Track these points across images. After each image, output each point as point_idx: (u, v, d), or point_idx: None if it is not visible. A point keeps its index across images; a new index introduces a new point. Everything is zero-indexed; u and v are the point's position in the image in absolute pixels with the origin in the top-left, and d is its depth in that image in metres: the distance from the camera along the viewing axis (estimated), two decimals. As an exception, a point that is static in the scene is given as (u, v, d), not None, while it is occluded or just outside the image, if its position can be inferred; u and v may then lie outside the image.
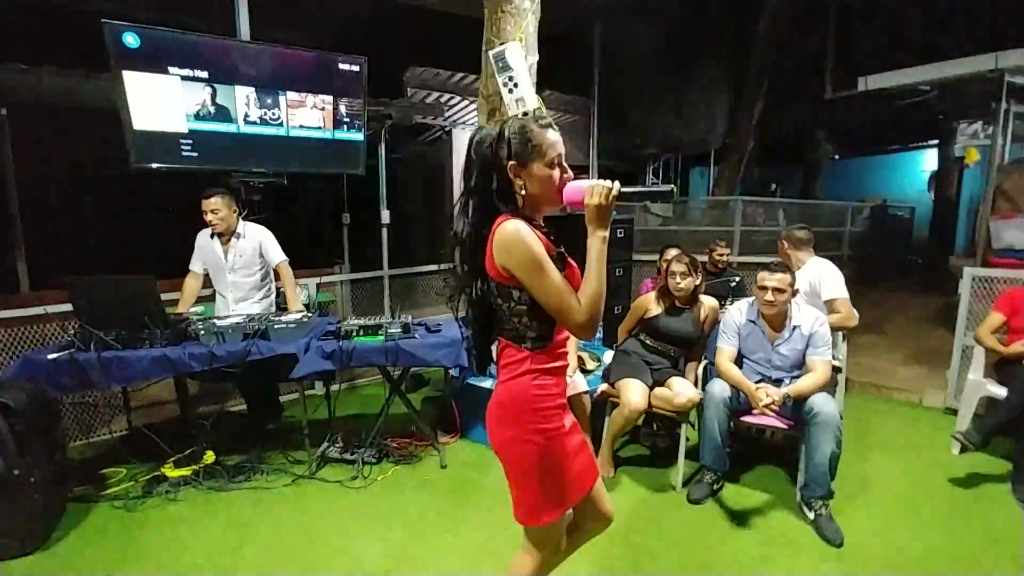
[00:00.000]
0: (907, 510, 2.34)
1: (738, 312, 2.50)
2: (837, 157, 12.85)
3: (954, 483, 2.56)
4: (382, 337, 2.54)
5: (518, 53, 2.73)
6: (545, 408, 1.18)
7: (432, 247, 7.00)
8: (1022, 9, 5.86)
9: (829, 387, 2.34)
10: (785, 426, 2.34)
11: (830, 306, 2.86)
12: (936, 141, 9.67)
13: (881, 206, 9.40)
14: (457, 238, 1.19)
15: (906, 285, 7.74)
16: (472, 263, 1.19)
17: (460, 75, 5.27)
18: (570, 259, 1.21)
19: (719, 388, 2.33)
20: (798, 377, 2.33)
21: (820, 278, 2.89)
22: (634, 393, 2.41)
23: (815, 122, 8.87)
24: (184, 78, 3.00)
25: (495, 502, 2.40)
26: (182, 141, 3.03)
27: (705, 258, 4.02)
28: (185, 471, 2.55)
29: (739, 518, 2.26)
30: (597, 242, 1.11)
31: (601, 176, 1.16)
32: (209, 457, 2.62)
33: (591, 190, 1.10)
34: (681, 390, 2.41)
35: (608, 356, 2.98)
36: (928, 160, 10.94)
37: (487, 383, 2.98)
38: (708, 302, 2.66)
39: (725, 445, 2.36)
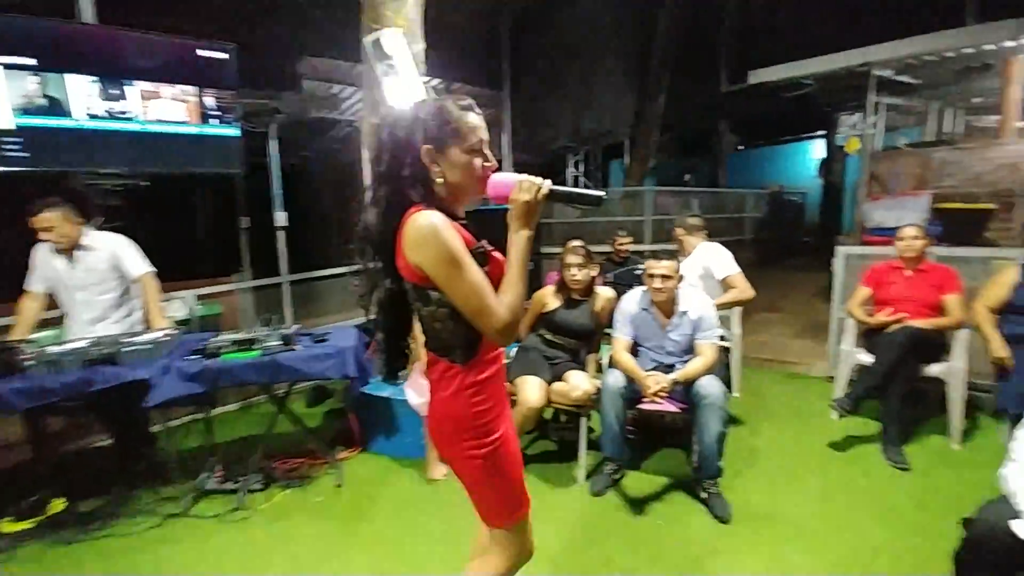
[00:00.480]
0: (790, 477, 2.47)
1: (631, 301, 2.51)
2: (742, 148, 13.74)
3: (833, 447, 2.74)
4: (258, 352, 2.30)
5: (397, 40, 2.58)
6: (486, 423, 1.10)
7: (345, 249, 6.65)
8: (887, 7, 6.50)
9: (719, 367, 2.41)
10: (678, 410, 2.39)
11: (726, 283, 2.99)
12: (823, 132, 10.57)
13: (777, 192, 10.15)
14: (366, 232, 1.09)
15: (800, 264, 8.39)
16: (382, 260, 1.10)
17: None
18: (494, 253, 1.10)
19: (613, 379, 2.33)
20: (689, 361, 2.39)
21: (712, 260, 3.02)
22: (531, 391, 2.36)
23: (718, 114, 9.38)
24: (7, 66, 2.57)
25: (392, 517, 2.26)
26: (6, 140, 2.60)
27: (610, 248, 4.08)
28: (27, 524, 2.19)
29: (638, 505, 2.28)
30: (521, 241, 1.03)
31: (526, 172, 1.07)
32: (56, 505, 2.27)
33: (520, 185, 1.02)
34: (577, 383, 2.38)
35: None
36: (817, 149, 11.94)
37: (386, 391, 2.83)
38: (604, 293, 2.66)
39: (624, 434, 2.37)
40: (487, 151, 1.08)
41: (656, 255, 2.42)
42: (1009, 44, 5.11)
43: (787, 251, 9.16)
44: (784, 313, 5.54)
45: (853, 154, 8.52)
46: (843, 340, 3.11)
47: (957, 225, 5.17)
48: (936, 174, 6.36)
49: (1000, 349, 2.42)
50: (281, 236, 4.25)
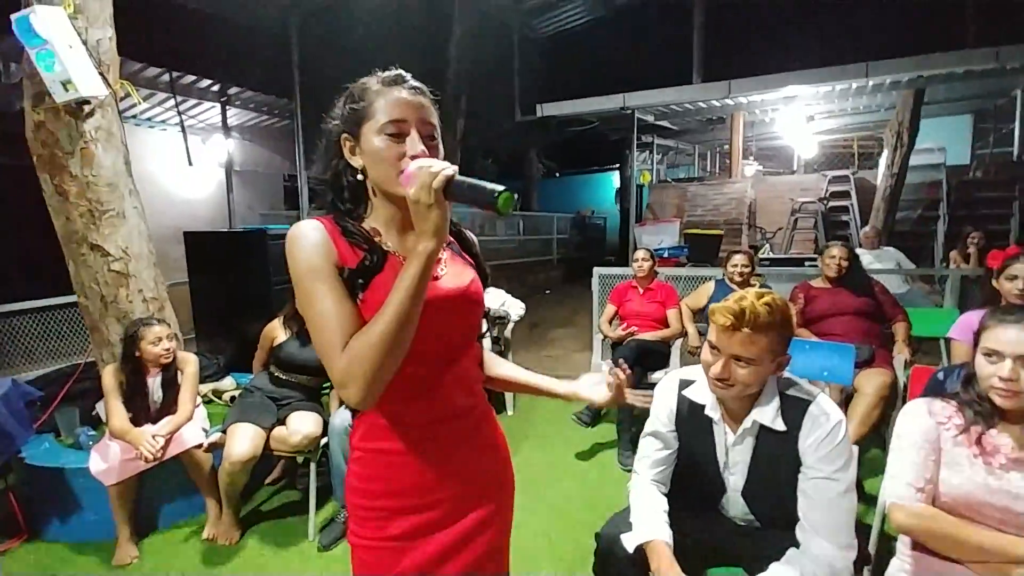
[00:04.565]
0: (536, 492, 2.52)
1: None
2: (558, 175, 15.05)
3: (578, 456, 2.91)
4: None
5: (56, 20, 2.07)
6: (359, 508, 0.84)
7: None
8: (648, 57, 7.66)
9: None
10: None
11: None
12: (618, 165, 12.11)
13: (582, 216, 11.29)
14: None
15: (601, 281, 9.35)
16: None
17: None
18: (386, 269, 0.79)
19: (341, 418, 2.12)
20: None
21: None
22: (239, 442, 2.02)
23: (524, 142, 10.07)
24: None
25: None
26: None
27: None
28: None
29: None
30: (412, 263, 0.71)
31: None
32: None
33: (413, 177, 0.72)
34: (297, 427, 2.11)
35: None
36: (617, 179, 13.65)
37: (60, 460, 2.21)
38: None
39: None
40: (415, 136, 0.78)
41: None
42: (728, 102, 6.36)
43: (590, 270, 10.15)
44: (576, 328, 5.99)
45: (646, 185, 9.95)
46: (594, 353, 3.39)
47: (699, 247, 6.22)
48: (689, 205, 7.70)
49: (694, 340, 2.87)
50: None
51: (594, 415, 2.85)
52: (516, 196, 0.73)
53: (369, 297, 0.75)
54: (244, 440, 2.04)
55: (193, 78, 5.94)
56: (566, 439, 3.12)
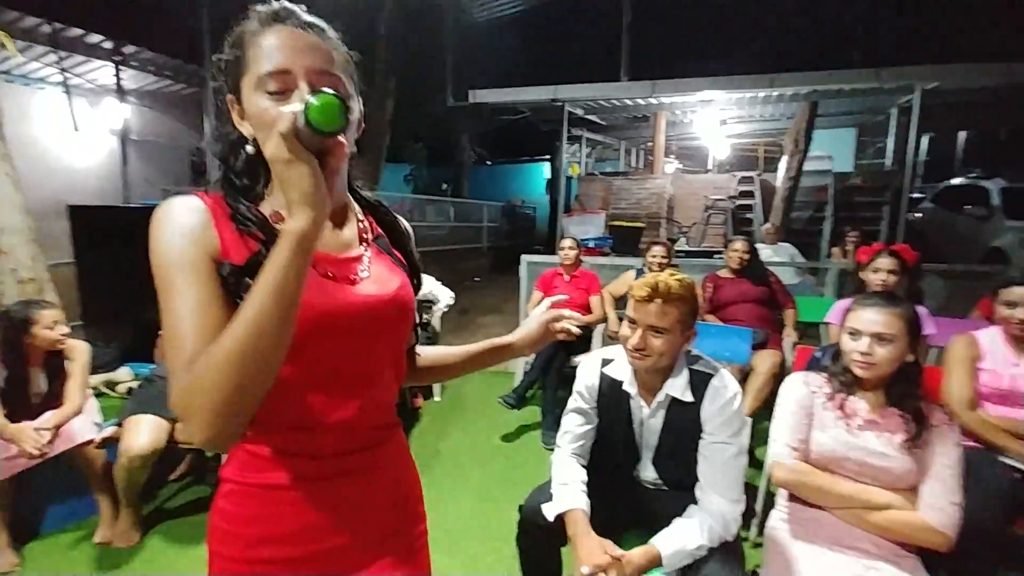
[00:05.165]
0: (464, 474, 2.56)
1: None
2: (490, 163, 15.04)
3: (504, 439, 2.99)
4: None
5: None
6: (225, 559, 0.65)
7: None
8: (580, 52, 7.85)
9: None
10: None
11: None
12: (549, 156, 12.33)
13: (511, 205, 11.41)
14: None
15: (530, 270, 9.54)
16: None
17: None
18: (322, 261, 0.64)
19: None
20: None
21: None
22: (138, 434, 1.87)
23: (456, 128, 9.96)
24: None
25: None
26: None
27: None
28: None
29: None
30: (278, 248, 0.53)
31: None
32: None
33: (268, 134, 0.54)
34: (209, 417, 1.99)
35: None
36: (548, 170, 13.90)
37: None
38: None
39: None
40: (303, 88, 0.59)
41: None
42: (652, 100, 6.69)
43: (519, 258, 10.32)
44: (504, 315, 6.09)
45: (575, 177, 10.22)
46: (520, 339, 3.48)
47: (622, 239, 6.54)
48: (614, 198, 8.06)
49: (614, 324, 3.05)
50: None
51: (519, 398, 2.94)
52: (344, 104, 0.52)
53: None
54: (144, 432, 1.88)
55: (80, 32, 5.24)
56: (492, 422, 3.19)
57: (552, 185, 12.30)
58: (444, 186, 13.69)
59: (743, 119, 9.02)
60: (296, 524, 0.65)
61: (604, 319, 3.34)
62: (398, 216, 0.80)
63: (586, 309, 3.35)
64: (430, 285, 3.65)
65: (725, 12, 8.81)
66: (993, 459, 1.53)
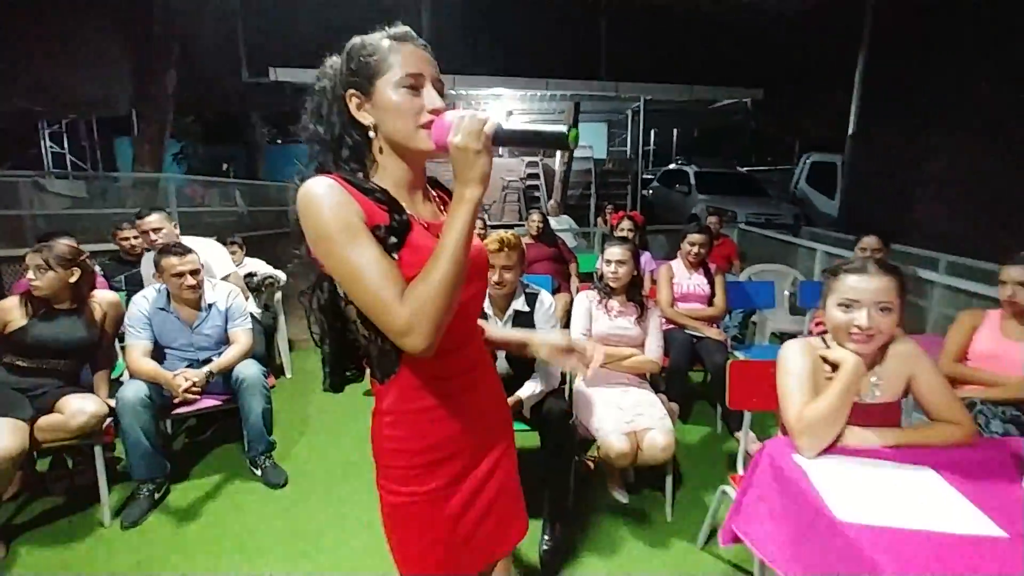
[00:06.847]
0: (339, 428, 2.90)
1: (144, 301, 2.26)
2: (280, 142, 13.89)
3: (367, 394, 3.38)
4: None
5: None
6: (399, 469, 0.86)
7: None
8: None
9: (258, 350, 2.54)
10: (220, 402, 2.37)
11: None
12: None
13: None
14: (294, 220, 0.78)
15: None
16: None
17: None
18: (426, 227, 0.82)
19: (133, 390, 2.07)
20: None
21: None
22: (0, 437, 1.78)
23: (247, 104, 9.12)
24: None
25: None
26: None
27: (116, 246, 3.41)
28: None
29: (190, 512, 2.15)
30: (461, 208, 0.74)
31: None
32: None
33: (458, 125, 0.73)
34: (79, 407, 1.96)
35: None
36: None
37: None
38: (106, 297, 2.26)
39: (159, 447, 2.15)
40: (435, 89, 0.80)
41: (173, 252, 2.25)
42: (451, 92, 7.41)
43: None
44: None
45: None
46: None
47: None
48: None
49: None
50: None
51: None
52: (572, 132, 0.76)
53: (405, 256, 0.76)
54: (3, 435, 1.79)
55: None
56: (353, 386, 3.53)
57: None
58: (225, 166, 12.23)
59: (527, 111, 10.49)
60: (445, 432, 0.86)
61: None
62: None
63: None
64: (264, 267, 3.72)
65: (507, 27, 10.17)
66: (682, 331, 2.69)
